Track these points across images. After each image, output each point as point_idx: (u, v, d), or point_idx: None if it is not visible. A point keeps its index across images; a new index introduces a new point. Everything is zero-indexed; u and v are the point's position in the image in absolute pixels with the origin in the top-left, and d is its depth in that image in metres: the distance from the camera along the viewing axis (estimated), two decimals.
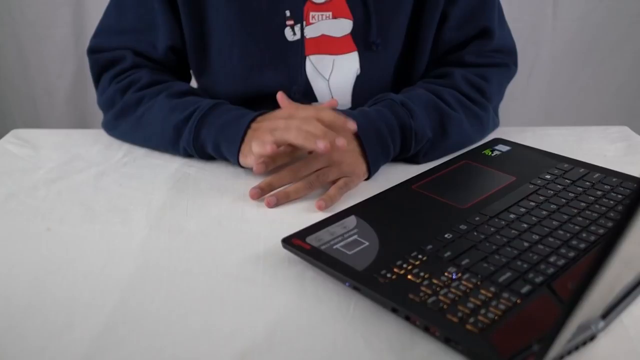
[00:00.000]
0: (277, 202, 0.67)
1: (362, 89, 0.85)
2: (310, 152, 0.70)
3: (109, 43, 0.85)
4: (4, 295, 0.51)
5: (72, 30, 1.72)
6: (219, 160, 0.77)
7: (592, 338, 0.44)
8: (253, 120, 0.72)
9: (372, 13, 0.81)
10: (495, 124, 0.86)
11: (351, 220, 0.59)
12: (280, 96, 0.74)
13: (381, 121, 0.72)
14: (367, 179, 0.72)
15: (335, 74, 0.84)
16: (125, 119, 0.81)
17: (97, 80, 0.87)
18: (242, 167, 0.73)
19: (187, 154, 0.78)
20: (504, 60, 0.87)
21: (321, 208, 0.65)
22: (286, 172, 0.69)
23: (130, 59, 0.83)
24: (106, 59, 0.84)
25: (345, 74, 0.84)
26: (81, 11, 1.69)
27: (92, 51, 0.86)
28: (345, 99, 0.85)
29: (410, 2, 0.82)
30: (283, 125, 0.68)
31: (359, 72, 0.84)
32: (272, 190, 0.68)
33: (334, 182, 0.69)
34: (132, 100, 0.80)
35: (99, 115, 0.87)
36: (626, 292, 0.48)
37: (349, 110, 0.73)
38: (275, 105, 0.75)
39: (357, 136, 0.71)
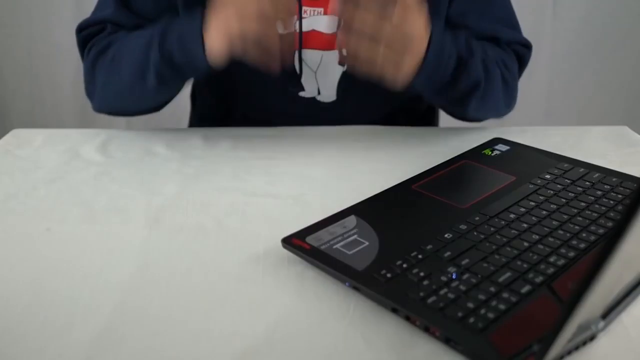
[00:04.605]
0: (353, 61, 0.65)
1: (347, 84, 0.86)
2: None
3: (91, 20, 0.86)
4: (4, 295, 0.51)
5: (73, 30, 1.72)
6: (218, 160, 0.77)
7: (592, 338, 0.44)
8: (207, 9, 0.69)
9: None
10: (515, 101, 0.87)
11: (351, 220, 0.59)
12: None
13: (446, 40, 0.71)
14: (425, 55, 0.69)
15: (322, 68, 0.85)
16: (101, 68, 0.80)
17: (82, 54, 0.86)
18: (210, 62, 0.70)
19: (160, 77, 0.75)
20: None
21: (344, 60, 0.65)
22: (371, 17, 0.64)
23: (110, 30, 0.83)
24: (89, 33, 0.85)
25: (332, 69, 0.85)
26: (82, 12, 1.69)
27: (79, 29, 0.87)
28: (330, 92, 0.86)
29: None
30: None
31: (345, 68, 0.85)
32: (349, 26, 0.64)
33: None
34: (105, 48, 0.80)
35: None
36: (626, 292, 0.48)
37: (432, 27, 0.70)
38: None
39: (427, 49, 0.68)
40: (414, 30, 0.66)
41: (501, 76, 0.80)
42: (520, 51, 0.87)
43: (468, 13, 0.85)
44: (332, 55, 0.84)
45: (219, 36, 0.68)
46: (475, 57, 0.74)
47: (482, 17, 0.85)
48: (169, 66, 0.74)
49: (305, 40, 0.83)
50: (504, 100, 0.83)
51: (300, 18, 0.82)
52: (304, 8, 0.82)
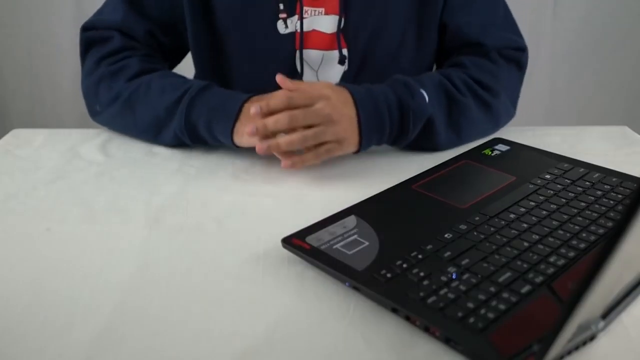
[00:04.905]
0: (268, 151, 0.68)
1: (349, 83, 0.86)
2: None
3: (100, 22, 0.85)
4: (4, 295, 0.51)
5: (73, 30, 1.71)
6: (218, 160, 0.77)
7: (592, 338, 0.44)
8: (247, 100, 0.72)
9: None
10: (510, 114, 0.85)
11: (351, 220, 0.59)
12: (280, 78, 0.73)
13: (381, 96, 0.72)
14: (356, 152, 0.73)
15: (323, 67, 0.85)
16: (113, 105, 0.80)
17: (83, 56, 0.86)
18: (236, 146, 0.73)
19: (177, 139, 0.77)
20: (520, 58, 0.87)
21: (286, 166, 0.68)
22: (283, 116, 0.67)
23: (118, 40, 0.83)
24: (94, 36, 0.85)
25: (333, 68, 0.85)
26: (82, 12, 1.70)
27: (84, 29, 0.86)
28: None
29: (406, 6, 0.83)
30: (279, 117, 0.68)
31: (346, 68, 0.85)
32: (266, 132, 0.68)
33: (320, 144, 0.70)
34: (121, 88, 0.79)
35: None
36: (626, 292, 0.48)
37: (353, 85, 0.73)
38: (268, 89, 0.75)
39: (355, 106, 0.70)
40: (340, 132, 0.69)
41: (475, 99, 0.79)
42: (514, 56, 0.86)
43: (458, 12, 0.85)
44: (333, 55, 0.85)
45: (244, 141, 0.72)
46: (417, 97, 0.73)
47: (471, 18, 0.85)
48: (190, 135, 0.75)
49: (306, 40, 0.83)
50: (486, 122, 0.81)
51: (302, 18, 0.82)
52: (304, 8, 0.82)
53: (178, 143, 0.78)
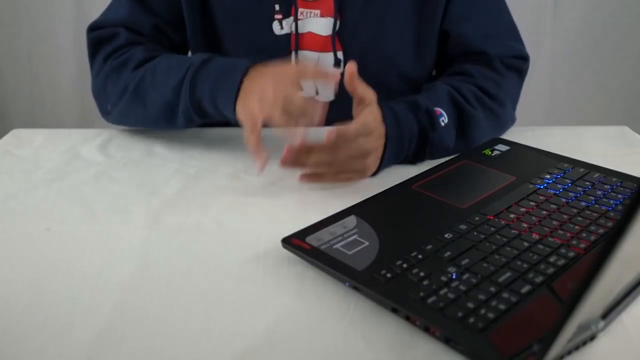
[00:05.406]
0: (290, 166, 0.68)
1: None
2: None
3: (106, 21, 0.85)
4: (4, 295, 0.51)
5: (73, 30, 1.72)
6: (218, 160, 0.77)
7: (592, 338, 0.44)
8: (246, 72, 0.69)
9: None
10: (513, 120, 0.86)
11: (351, 220, 0.59)
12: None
13: (407, 131, 0.72)
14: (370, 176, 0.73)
15: None
16: (122, 98, 0.80)
17: (92, 57, 0.85)
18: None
19: (189, 120, 0.76)
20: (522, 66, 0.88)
21: (301, 180, 0.69)
22: (324, 160, 0.67)
23: (124, 36, 0.83)
24: (101, 35, 0.84)
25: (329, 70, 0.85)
26: (82, 12, 1.70)
27: (90, 29, 0.86)
28: (328, 92, 0.86)
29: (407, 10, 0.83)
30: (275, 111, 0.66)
31: (342, 70, 0.84)
32: (302, 164, 0.67)
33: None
34: (128, 79, 0.79)
35: (99, 115, 0.87)
36: (626, 292, 0.48)
37: (386, 113, 0.71)
38: None
39: (385, 142, 0.70)
40: (367, 161, 0.69)
41: (484, 110, 0.79)
42: (516, 64, 0.86)
43: (461, 19, 0.84)
44: (329, 57, 0.84)
45: (247, 113, 0.69)
46: (437, 129, 0.73)
47: (474, 26, 0.84)
48: (198, 113, 0.74)
49: (301, 41, 0.83)
50: (491, 130, 0.81)
51: (296, 20, 0.82)
52: (300, 10, 0.82)
53: (192, 124, 0.78)
